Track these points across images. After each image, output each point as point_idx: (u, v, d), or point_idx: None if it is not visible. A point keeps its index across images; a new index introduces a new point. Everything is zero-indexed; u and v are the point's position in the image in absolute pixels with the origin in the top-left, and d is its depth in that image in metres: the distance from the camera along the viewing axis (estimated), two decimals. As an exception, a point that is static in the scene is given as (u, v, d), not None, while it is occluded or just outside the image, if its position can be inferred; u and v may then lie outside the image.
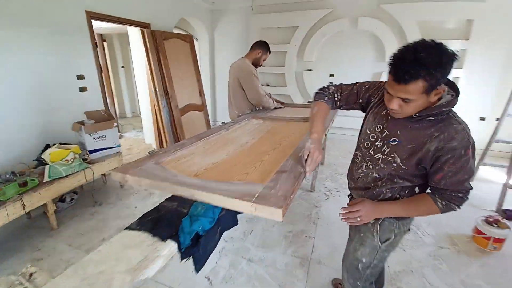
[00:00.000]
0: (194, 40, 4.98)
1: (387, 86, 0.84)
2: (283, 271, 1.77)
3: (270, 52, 2.48)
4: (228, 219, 1.01)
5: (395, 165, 0.90)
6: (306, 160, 0.95)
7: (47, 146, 2.38)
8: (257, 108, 2.53)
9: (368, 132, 1.00)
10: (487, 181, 3.14)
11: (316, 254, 1.92)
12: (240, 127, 1.74)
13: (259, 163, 1.09)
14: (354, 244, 1.09)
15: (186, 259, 0.75)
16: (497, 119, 2.93)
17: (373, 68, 4.30)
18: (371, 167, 0.99)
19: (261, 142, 1.41)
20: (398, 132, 0.89)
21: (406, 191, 0.95)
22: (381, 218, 0.99)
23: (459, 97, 0.85)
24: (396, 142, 0.89)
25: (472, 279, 1.70)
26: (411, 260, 1.88)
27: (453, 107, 0.83)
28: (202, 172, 0.99)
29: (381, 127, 0.94)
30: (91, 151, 2.47)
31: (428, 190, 0.94)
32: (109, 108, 3.47)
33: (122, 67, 6.32)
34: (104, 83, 3.11)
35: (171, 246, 0.65)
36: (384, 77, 4.18)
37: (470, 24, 3.67)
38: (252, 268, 1.79)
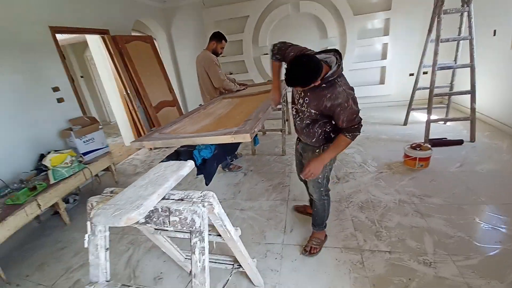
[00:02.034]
0: (154, 40, 5.16)
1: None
2: (268, 210, 2.30)
3: (225, 40, 2.86)
4: (221, 156, 1.48)
5: (312, 114, 1.37)
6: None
7: (42, 155, 2.61)
8: (225, 92, 2.96)
9: (295, 94, 1.48)
10: (417, 122, 3.93)
11: (292, 195, 2.48)
12: (214, 106, 2.20)
13: (234, 120, 1.57)
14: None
15: (198, 175, 1.21)
16: (411, 74, 3.67)
17: (319, 44, 4.89)
18: (302, 116, 1.45)
19: (232, 111, 1.89)
20: (308, 94, 1.36)
21: (328, 125, 1.43)
22: (317, 150, 1.50)
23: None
24: (308, 100, 1.37)
25: (404, 187, 2.36)
26: (360, 184, 2.52)
27: (337, 75, 1.26)
28: (195, 131, 1.44)
29: (300, 91, 1.40)
30: (84, 153, 2.74)
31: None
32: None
33: (82, 76, 6.27)
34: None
35: (190, 163, 1.09)
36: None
37: (390, -5, 4.35)
38: (244, 214, 2.29)
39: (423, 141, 3.24)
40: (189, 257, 1.45)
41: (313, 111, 1.36)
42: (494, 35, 3.31)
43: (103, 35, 3.63)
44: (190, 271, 0.85)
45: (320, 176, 1.56)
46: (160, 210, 0.84)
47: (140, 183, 0.93)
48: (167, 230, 1.18)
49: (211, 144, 1.36)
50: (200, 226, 0.80)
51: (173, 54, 5.61)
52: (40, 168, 2.52)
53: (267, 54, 5.11)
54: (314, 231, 1.82)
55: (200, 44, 5.37)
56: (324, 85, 1.27)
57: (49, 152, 2.54)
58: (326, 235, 1.86)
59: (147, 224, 0.86)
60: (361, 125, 1.34)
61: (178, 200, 0.87)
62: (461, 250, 1.63)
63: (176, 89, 5.47)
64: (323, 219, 1.77)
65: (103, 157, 2.91)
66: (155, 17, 5.00)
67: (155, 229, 1.20)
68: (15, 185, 2.27)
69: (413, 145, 2.74)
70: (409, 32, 4.48)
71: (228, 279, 1.33)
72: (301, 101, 1.43)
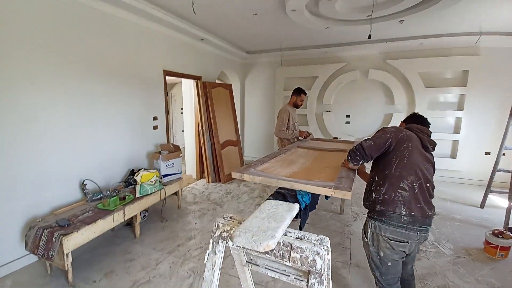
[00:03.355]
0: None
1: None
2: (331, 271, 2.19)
3: (305, 94, 3.45)
4: (313, 204, 1.56)
5: None
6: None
7: (132, 171, 3.04)
8: (293, 140, 3.29)
9: None
10: (496, 206, 3.51)
11: (354, 260, 2.34)
12: (292, 153, 2.37)
13: (322, 173, 1.68)
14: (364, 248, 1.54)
15: (297, 218, 1.30)
16: (487, 153, 3.45)
17: (383, 110, 5.00)
18: None
19: (315, 163, 2.01)
20: None
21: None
22: (367, 219, 1.46)
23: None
24: None
25: (485, 277, 2.08)
26: (435, 265, 2.27)
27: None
28: (289, 175, 1.58)
29: None
30: (164, 176, 3.10)
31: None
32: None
33: (162, 109, 7.32)
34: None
35: (297, 205, 1.20)
36: (394, 118, 4.85)
37: (466, 74, 4.38)
38: (303, 268, 2.22)
39: (502, 228, 2.90)
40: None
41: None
42: None
43: (196, 80, 4.35)
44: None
45: (367, 252, 1.51)
46: (282, 244, 0.93)
47: (260, 215, 1.06)
48: (258, 266, 1.25)
49: (308, 192, 1.48)
50: (320, 268, 0.86)
51: (242, 100, 6.30)
52: (129, 182, 2.91)
53: (329, 111, 5.38)
54: None
55: (268, 95, 5.99)
56: None
57: (140, 169, 2.95)
58: None
59: (266, 255, 0.95)
60: (365, 145, 1.42)
61: (296, 238, 0.96)
62: None
63: (241, 130, 5.98)
64: None
65: (176, 181, 3.24)
66: (235, 70, 5.84)
67: (247, 261, 1.28)
68: (108, 192, 2.64)
69: (496, 231, 2.46)
70: (486, 110, 4.33)
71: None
72: None
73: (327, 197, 3.29)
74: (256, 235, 0.90)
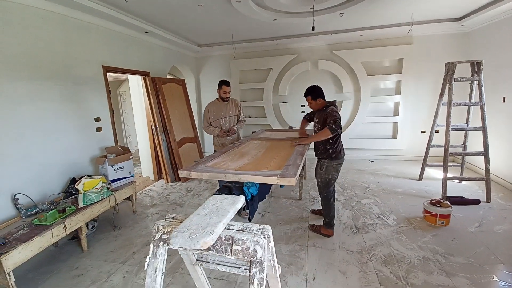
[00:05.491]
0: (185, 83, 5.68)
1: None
2: (288, 255, 2.27)
3: (227, 85, 3.08)
4: (262, 194, 1.57)
5: (320, 128, 2.39)
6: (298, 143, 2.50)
7: (73, 179, 2.74)
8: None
9: (314, 124, 2.56)
10: (432, 178, 4.00)
11: (311, 242, 2.46)
12: (246, 145, 2.37)
13: (271, 163, 1.70)
14: (316, 177, 2.52)
15: (245, 210, 1.29)
16: (422, 132, 3.90)
17: (334, 97, 5.27)
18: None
19: (267, 153, 2.04)
20: (317, 116, 2.45)
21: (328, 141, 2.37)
22: (319, 163, 2.47)
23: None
24: (317, 120, 2.45)
25: (427, 244, 2.35)
26: (381, 236, 2.50)
27: (327, 105, 2.38)
28: (238, 168, 1.57)
29: (316, 120, 2.49)
30: (112, 181, 2.86)
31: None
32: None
33: (110, 109, 6.73)
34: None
35: (243, 197, 1.19)
36: (344, 105, 5.19)
37: (401, 61, 4.85)
38: (264, 256, 2.26)
39: (440, 198, 3.28)
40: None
41: (320, 125, 2.40)
42: (504, 101, 3.57)
43: (144, 76, 4.06)
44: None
45: (319, 180, 2.49)
46: (223, 238, 0.92)
47: (203, 212, 1.03)
48: (208, 262, 1.22)
49: (256, 183, 1.49)
50: (261, 257, 0.87)
51: (198, 96, 6.10)
52: (70, 191, 2.63)
53: (285, 102, 5.52)
54: (323, 224, 2.57)
55: (224, 89, 5.84)
56: (322, 109, 2.42)
57: (82, 177, 2.67)
58: (333, 234, 2.53)
59: (209, 251, 0.93)
60: (337, 123, 2.20)
61: (239, 230, 0.96)
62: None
63: (198, 127, 5.80)
64: (327, 215, 2.51)
65: (128, 186, 3.02)
66: (188, 64, 5.60)
67: (197, 259, 1.25)
68: (44, 205, 2.35)
69: (433, 201, 2.77)
70: (420, 94, 4.85)
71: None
72: (316, 125, 2.51)
73: (282, 185, 3.42)
74: (194, 233, 0.87)
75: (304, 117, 2.94)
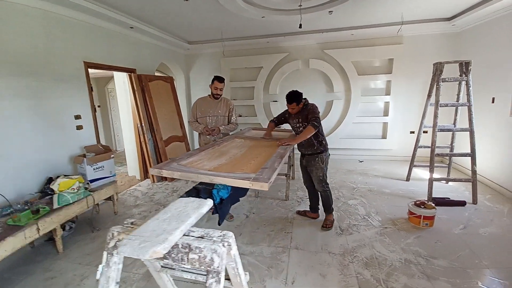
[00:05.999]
0: (173, 81, 5.58)
1: (287, 105, 2.56)
2: (269, 257, 2.23)
3: (219, 81, 2.91)
4: (234, 197, 1.51)
5: (304, 125, 2.45)
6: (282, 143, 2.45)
7: (50, 179, 2.64)
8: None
9: (293, 124, 2.64)
10: (419, 179, 4.00)
11: (294, 243, 2.42)
12: (228, 144, 2.31)
13: (249, 164, 1.64)
14: (315, 173, 2.56)
15: (213, 214, 1.23)
16: (412, 132, 3.88)
17: (325, 97, 5.27)
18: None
19: (247, 153, 1.98)
20: (299, 116, 2.52)
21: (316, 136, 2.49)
22: (317, 158, 2.52)
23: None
24: (300, 119, 2.51)
25: (410, 246, 2.31)
26: (364, 238, 2.47)
27: (305, 103, 2.54)
28: (213, 169, 1.51)
29: (296, 120, 2.54)
30: (91, 180, 2.77)
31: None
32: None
33: (99, 106, 6.59)
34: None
35: (210, 201, 1.13)
36: (335, 104, 5.16)
37: (391, 61, 4.83)
38: (244, 259, 2.21)
39: (426, 198, 3.26)
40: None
41: (304, 124, 2.47)
42: (493, 102, 3.56)
43: (130, 73, 3.96)
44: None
45: (321, 174, 2.56)
46: (180, 246, 0.86)
47: (163, 217, 0.97)
48: (174, 269, 1.16)
49: (228, 186, 1.43)
50: (218, 266, 0.81)
51: (188, 94, 6.00)
52: (46, 192, 2.53)
53: (276, 101, 5.46)
54: (326, 214, 2.69)
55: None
56: (303, 108, 2.52)
57: (58, 176, 2.58)
58: (333, 218, 2.72)
59: (164, 260, 0.87)
60: (318, 119, 2.40)
61: (198, 237, 0.90)
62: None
63: (187, 125, 5.70)
64: (329, 204, 2.64)
65: (108, 185, 2.92)
66: (178, 61, 5.50)
67: (162, 266, 1.19)
68: (19, 206, 2.26)
69: (417, 202, 2.75)
70: (409, 94, 4.84)
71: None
72: (298, 124, 2.57)
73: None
74: (146, 241, 0.81)
75: (271, 121, 2.94)
